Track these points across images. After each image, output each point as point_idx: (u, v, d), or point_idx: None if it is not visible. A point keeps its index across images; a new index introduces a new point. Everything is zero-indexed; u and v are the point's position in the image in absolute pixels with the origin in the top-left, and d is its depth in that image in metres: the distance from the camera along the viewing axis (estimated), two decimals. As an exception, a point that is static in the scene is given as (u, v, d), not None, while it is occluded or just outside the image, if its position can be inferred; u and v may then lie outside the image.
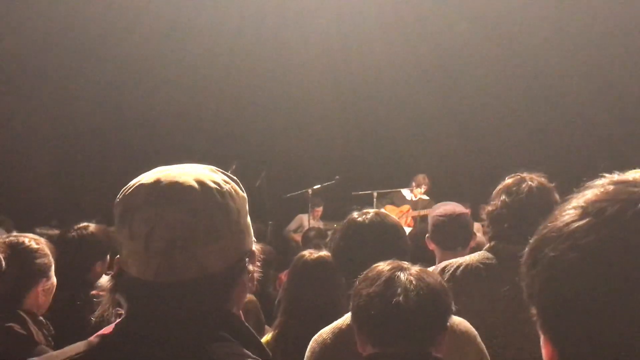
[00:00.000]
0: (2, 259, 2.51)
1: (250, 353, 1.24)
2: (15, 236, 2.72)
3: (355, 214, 2.57)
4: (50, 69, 9.86)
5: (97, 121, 10.33)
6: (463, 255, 3.24)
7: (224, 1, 10.11)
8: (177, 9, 10.03)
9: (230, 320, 1.27)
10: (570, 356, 0.77)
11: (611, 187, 0.78)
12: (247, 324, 1.34)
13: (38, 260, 2.65)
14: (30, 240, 2.69)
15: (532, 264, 0.82)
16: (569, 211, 0.79)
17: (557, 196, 2.62)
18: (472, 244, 3.46)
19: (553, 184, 2.68)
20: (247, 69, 10.51)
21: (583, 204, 0.78)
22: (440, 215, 3.41)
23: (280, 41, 10.45)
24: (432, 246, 3.42)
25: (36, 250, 2.65)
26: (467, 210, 3.51)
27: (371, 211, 2.58)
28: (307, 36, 10.51)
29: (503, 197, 2.68)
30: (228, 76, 10.43)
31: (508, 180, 2.73)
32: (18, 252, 2.60)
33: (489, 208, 2.76)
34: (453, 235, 3.36)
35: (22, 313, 2.52)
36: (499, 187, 2.74)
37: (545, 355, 0.82)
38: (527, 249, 0.85)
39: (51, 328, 2.62)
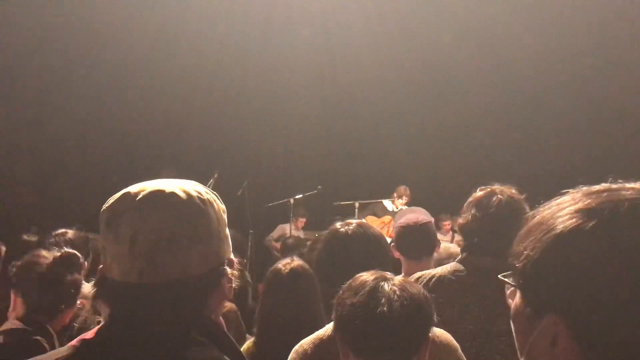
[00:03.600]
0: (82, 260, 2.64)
1: (228, 359, 1.28)
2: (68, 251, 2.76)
3: (338, 225, 2.56)
4: (32, 75, 9.77)
5: (79, 128, 10.24)
6: (428, 264, 3.24)
7: (208, 12, 10.10)
8: (161, 18, 9.99)
9: (208, 325, 1.32)
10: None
11: (605, 194, 0.90)
12: (225, 330, 1.38)
13: (81, 277, 2.71)
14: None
15: (546, 268, 0.89)
16: (569, 216, 0.89)
17: (527, 208, 2.62)
18: (438, 251, 3.47)
19: (523, 196, 2.69)
20: (230, 79, 10.49)
21: (583, 209, 0.89)
22: (403, 225, 3.41)
23: (264, 51, 10.45)
24: (397, 254, 3.41)
25: (83, 266, 2.75)
26: (431, 219, 3.51)
27: (354, 222, 2.57)
28: (292, 47, 10.53)
29: (473, 210, 2.68)
30: (211, 84, 10.41)
31: (479, 193, 2.73)
32: (73, 262, 2.68)
33: (460, 221, 2.78)
34: (417, 244, 3.36)
35: (50, 329, 2.56)
36: (470, 200, 2.75)
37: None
38: (526, 259, 0.92)
39: None
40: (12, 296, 2.68)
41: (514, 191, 2.69)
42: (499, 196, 2.65)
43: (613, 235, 0.85)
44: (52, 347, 2.47)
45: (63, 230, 3.46)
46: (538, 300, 0.91)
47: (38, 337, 2.48)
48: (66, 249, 2.76)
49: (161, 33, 10.06)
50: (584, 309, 0.84)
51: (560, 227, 0.88)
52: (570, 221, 0.88)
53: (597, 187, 0.93)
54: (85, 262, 3.41)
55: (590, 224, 0.86)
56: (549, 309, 0.88)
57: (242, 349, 3.04)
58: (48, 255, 2.67)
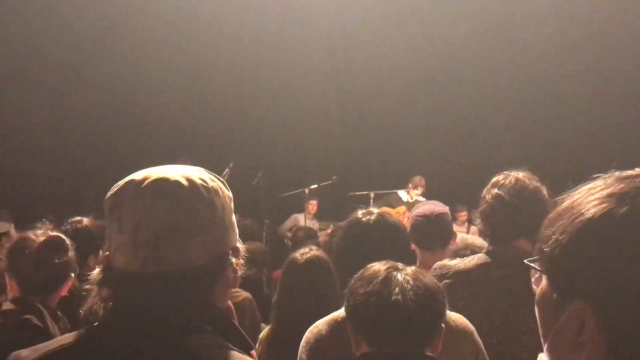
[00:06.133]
0: (68, 242, 2.69)
1: (230, 345, 1.27)
2: (54, 232, 2.81)
3: (359, 214, 2.56)
4: (48, 66, 9.84)
5: (95, 117, 10.31)
6: (442, 255, 3.17)
7: (223, 1, 10.10)
8: (176, 8, 10.01)
9: (212, 312, 1.31)
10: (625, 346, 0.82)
11: (638, 179, 0.88)
12: (231, 319, 1.37)
13: (72, 255, 2.76)
14: (66, 237, 2.80)
15: (575, 253, 0.87)
16: (601, 201, 0.87)
17: (544, 189, 2.58)
18: (452, 244, 3.39)
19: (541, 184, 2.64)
20: (245, 69, 10.49)
21: (615, 193, 0.86)
22: (418, 216, 3.36)
23: (278, 40, 10.45)
24: (412, 246, 3.34)
25: (70, 247, 2.77)
26: (446, 210, 3.45)
27: (375, 211, 2.57)
28: (307, 37, 10.51)
29: (494, 190, 2.62)
30: (226, 75, 10.42)
31: (496, 177, 2.70)
32: (59, 245, 2.71)
33: (481, 207, 2.71)
34: (431, 235, 3.30)
35: (40, 306, 2.60)
36: (488, 185, 2.70)
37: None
38: (555, 244, 0.89)
39: (67, 322, 2.65)
40: (7, 279, 2.73)
41: (533, 176, 2.64)
42: (516, 175, 2.62)
43: None
44: (44, 324, 2.54)
45: (79, 218, 3.49)
46: (565, 286, 0.89)
47: (28, 316, 2.52)
48: (53, 233, 2.80)
49: (176, 23, 10.08)
50: (613, 297, 0.82)
51: (591, 212, 0.86)
52: (602, 205, 0.86)
53: (630, 172, 0.90)
54: (100, 251, 3.44)
55: (623, 209, 0.84)
56: (577, 295, 0.86)
57: (260, 337, 3.07)
58: (37, 238, 2.70)
